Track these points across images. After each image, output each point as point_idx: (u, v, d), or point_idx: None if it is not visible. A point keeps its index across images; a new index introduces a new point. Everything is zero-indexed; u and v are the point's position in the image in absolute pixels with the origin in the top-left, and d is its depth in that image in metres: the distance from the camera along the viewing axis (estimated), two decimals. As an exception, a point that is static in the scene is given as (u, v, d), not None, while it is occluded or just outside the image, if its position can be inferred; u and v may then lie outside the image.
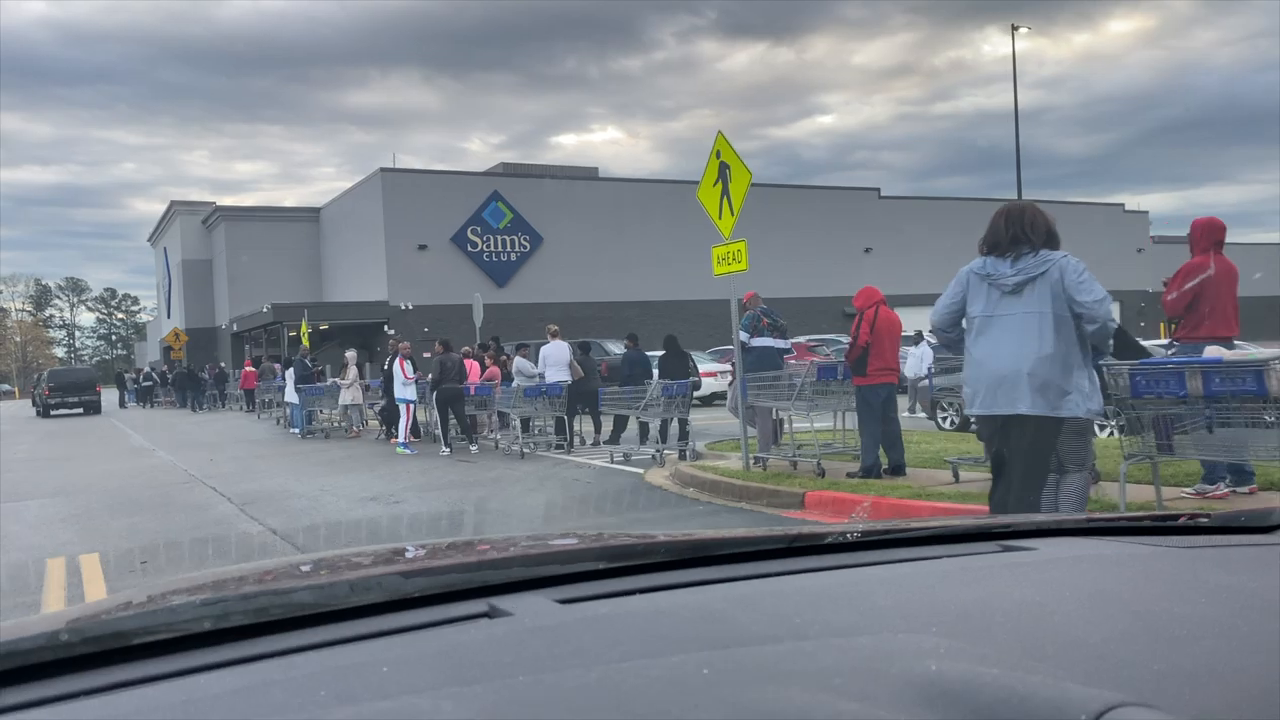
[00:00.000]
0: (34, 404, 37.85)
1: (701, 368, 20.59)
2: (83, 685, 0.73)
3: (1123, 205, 56.28)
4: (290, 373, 19.76)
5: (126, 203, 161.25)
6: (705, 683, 0.71)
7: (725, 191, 9.44)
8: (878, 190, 49.96)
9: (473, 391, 14.59)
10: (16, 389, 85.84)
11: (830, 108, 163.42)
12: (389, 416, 15.87)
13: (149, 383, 38.92)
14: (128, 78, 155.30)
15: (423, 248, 39.79)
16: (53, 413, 35.16)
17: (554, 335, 13.67)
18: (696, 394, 14.59)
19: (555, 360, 13.35)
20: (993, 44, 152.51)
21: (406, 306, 39.37)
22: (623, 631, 0.86)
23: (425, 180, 40.20)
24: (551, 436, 13.65)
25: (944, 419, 13.84)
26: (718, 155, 9.49)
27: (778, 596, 1.01)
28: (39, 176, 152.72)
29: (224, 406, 33.55)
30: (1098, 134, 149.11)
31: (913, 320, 15.88)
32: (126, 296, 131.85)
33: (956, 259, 6.77)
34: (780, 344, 9.86)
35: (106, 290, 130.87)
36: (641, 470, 10.84)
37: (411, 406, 14.66)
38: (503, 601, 0.94)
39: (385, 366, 16.20)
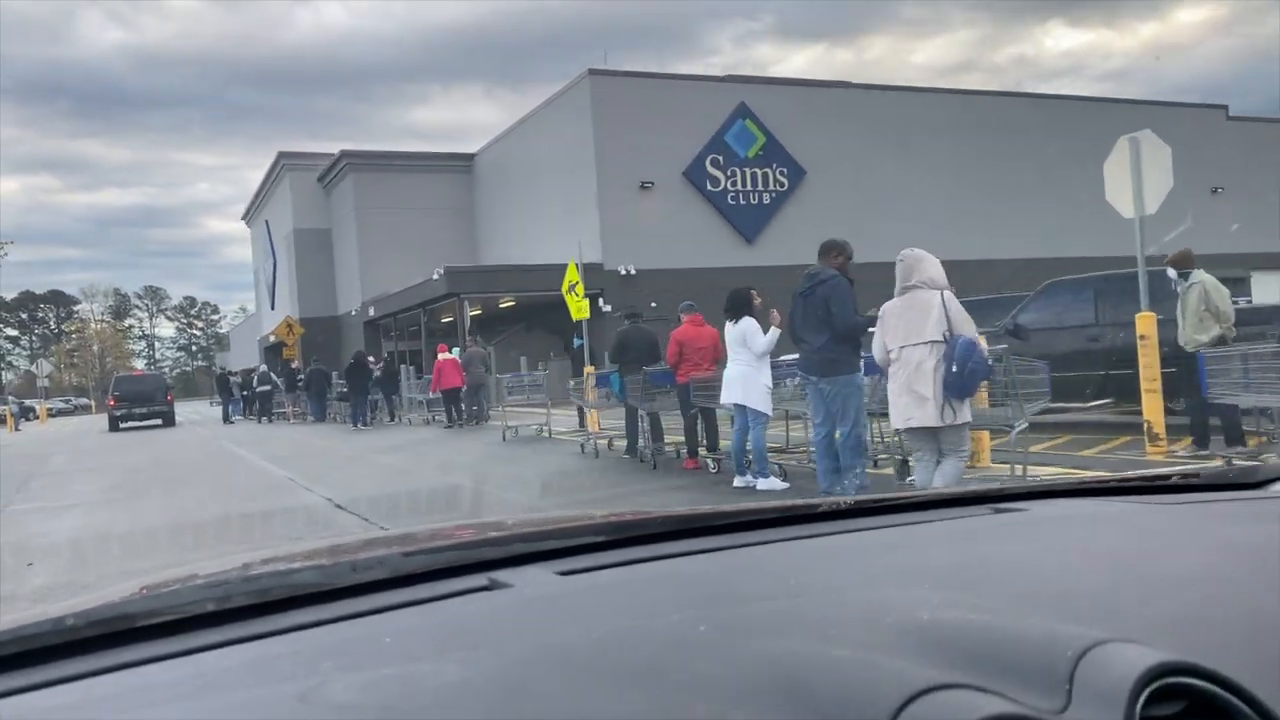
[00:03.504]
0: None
1: None
2: (90, 666, 0.73)
3: None
4: (754, 338, 7.57)
5: (200, 222, 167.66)
6: (702, 639, 0.73)
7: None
8: (1225, 108, 36.57)
9: None
10: (94, 402, 77.04)
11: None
12: None
13: (265, 387, 27.37)
14: (200, 101, 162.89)
15: (646, 186, 27.67)
16: (122, 425, 29.32)
17: None
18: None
19: None
20: (1055, 38, 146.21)
21: (628, 271, 27.26)
22: (621, 598, 0.87)
23: (646, 89, 28.05)
24: None
25: None
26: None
27: (774, 560, 1.02)
28: (118, 199, 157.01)
29: (395, 419, 21.67)
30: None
31: None
32: (206, 305, 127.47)
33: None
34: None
35: (186, 299, 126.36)
36: None
37: None
38: (503, 575, 0.93)
39: None
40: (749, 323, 7.66)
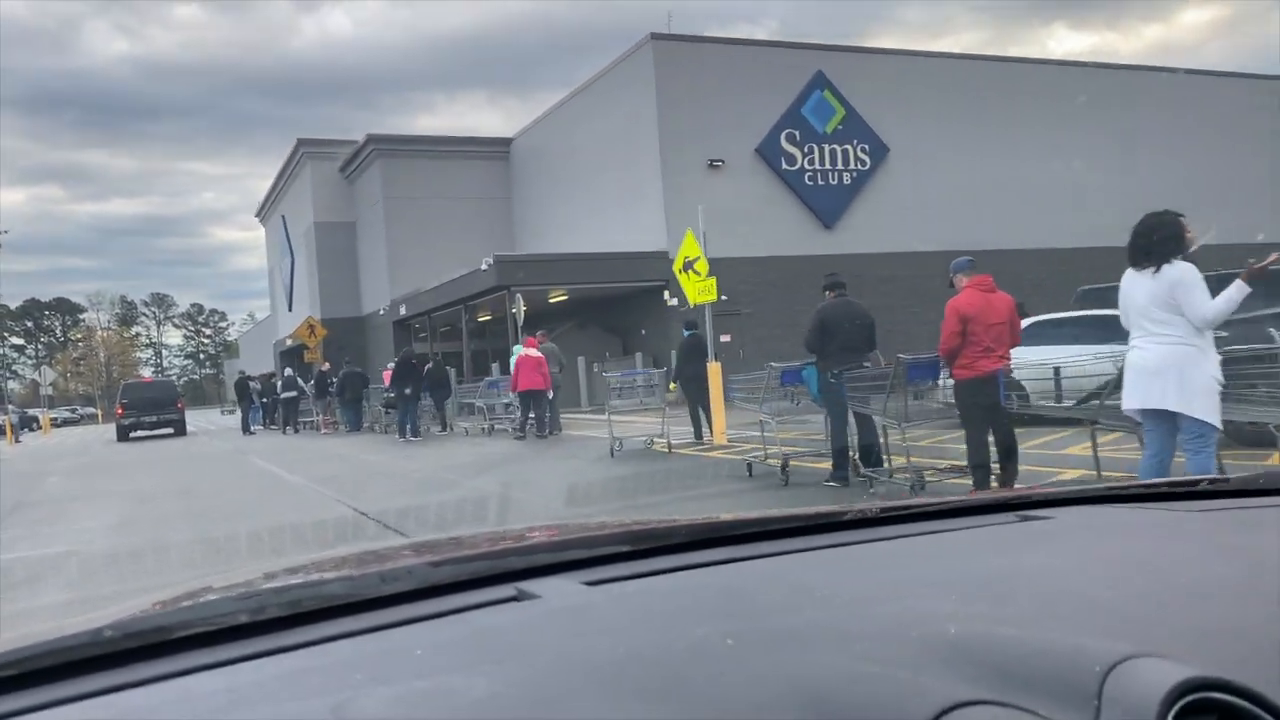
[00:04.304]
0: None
1: None
2: (126, 679, 0.74)
3: None
4: (1194, 296, 4.53)
5: (206, 231, 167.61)
6: (729, 652, 0.73)
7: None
8: (1331, 81, 33.45)
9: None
10: (100, 411, 74.47)
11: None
12: None
13: (290, 393, 24.39)
14: (205, 110, 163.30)
15: (715, 165, 24.72)
16: (132, 435, 27.79)
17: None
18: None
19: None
20: (1059, 40, 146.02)
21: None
22: (648, 609, 0.87)
23: (714, 56, 25.09)
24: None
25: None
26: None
27: (799, 570, 1.01)
28: (124, 209, 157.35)
29: (446, 428, 18.65)
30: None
31: None
32: (214, 312, 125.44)
33: None
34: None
35: (193, 306, 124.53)
36: None
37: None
38: (530, 585, 0.93)
39: None
40: (1185, 271, 4.57)
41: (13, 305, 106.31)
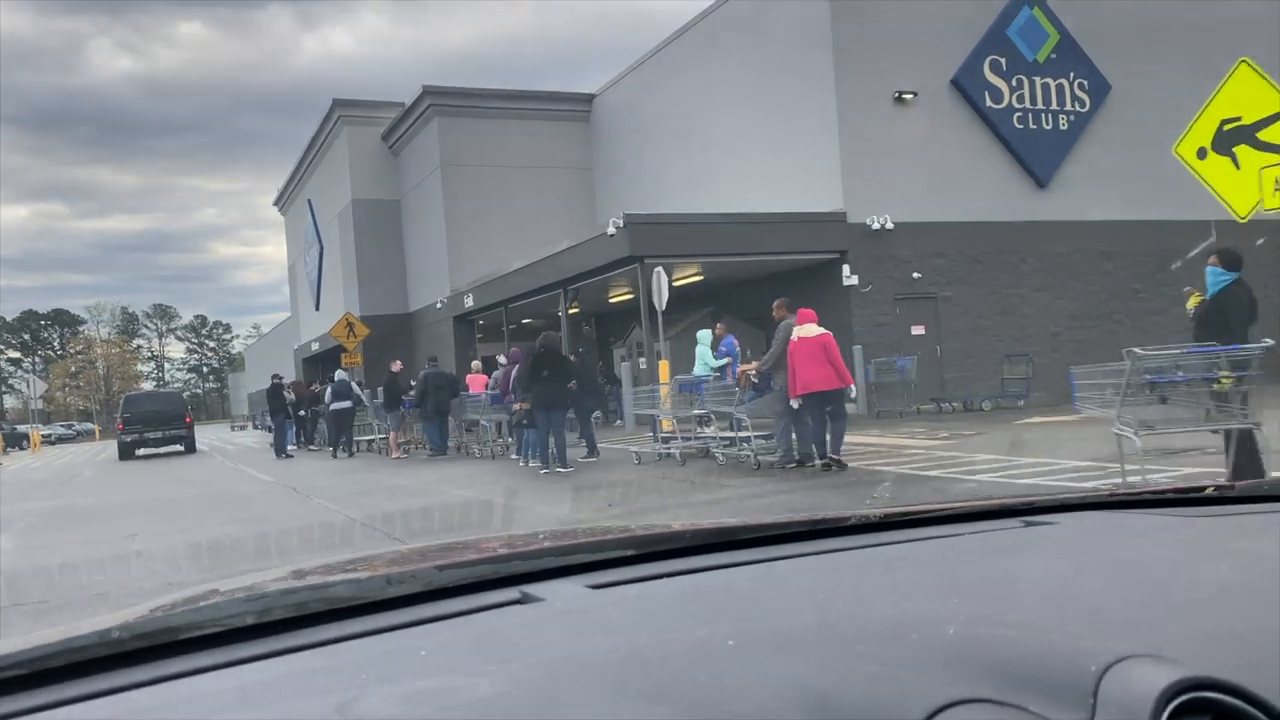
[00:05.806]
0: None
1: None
2: (135, 679, 0.75)
3: None
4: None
5: (208, 246, 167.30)
6: (729, 653, 0.74)
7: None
8: None
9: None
10: (98, 428, 68.62)
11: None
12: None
13: (343, 403, 18.29)
14: (208, 127, 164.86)
15: (903, 99, 18.72)
16: (138, 452, 25.06)
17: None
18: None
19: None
20: None
21: (881, 224, 18.29)
22: (651, 611, 0.88)
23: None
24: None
25: None
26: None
27: (801, 574, 1.02)
28: (127, 225, 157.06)
29: (594, 454, 12.48)
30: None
31: None
32: (218, 324, 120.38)
33: None
34: None
35: (196, 318, 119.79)
36: None
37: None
38: (534, 589, 0.94)
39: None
40: None
41: (10, 319, 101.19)
